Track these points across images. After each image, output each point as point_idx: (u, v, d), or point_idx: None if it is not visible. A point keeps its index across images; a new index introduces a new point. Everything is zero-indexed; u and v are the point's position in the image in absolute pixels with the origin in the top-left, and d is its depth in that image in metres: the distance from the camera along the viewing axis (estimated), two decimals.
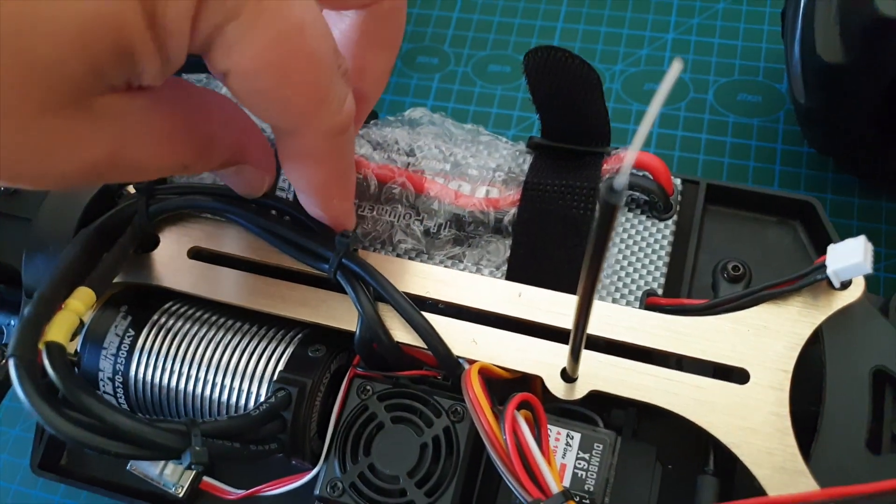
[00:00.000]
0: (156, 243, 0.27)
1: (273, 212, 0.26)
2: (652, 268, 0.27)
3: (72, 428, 0.20)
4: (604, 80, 0.44)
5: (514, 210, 0.27)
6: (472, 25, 0.47)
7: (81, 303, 0.23)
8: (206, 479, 0.28)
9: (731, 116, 0.42)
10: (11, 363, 0.20)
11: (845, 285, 0.23)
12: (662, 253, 0.27)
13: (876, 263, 0.38)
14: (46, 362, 0.21)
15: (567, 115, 0.27)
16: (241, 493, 0.27)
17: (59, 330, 0.22)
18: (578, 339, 0.20)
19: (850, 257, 0.22)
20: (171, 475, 0.28)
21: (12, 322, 0.31)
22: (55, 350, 0.21)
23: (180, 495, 0.28)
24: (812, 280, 0.23)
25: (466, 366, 0.24)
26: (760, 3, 0.45)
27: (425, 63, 0.46)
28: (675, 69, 0.12)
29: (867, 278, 0.23)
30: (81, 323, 0.27)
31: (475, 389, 0.22)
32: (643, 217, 0.27)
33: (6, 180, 0.17)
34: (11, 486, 0.38)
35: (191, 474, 0.28)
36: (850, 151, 0.37)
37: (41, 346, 0.21)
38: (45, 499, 0.37)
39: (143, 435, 0.20)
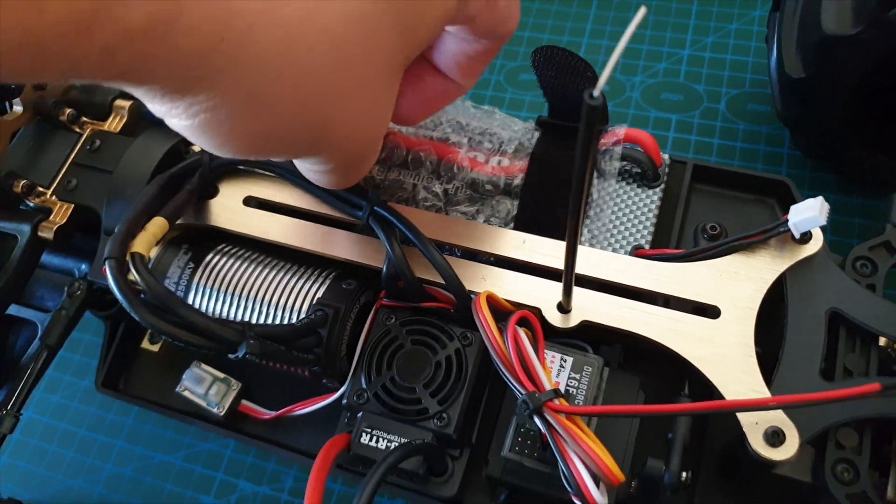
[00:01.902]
0: (215, 192, 0.32)
1: None
2: (640, 227, 0.31)
3: (153, 317, 0.24)
4: (624, 90, 0.49)
5: (522, 175, 0.31)
6: None
7: (158, 228, 0.27)
8: (244, 401, 0.32)
9: (741, 124, 0.46)
10: (108, 263, 0.25)
11: (805, 238, 0.27)
12: (650, 215, 0.31)
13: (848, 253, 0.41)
14: (132, 267, 0.25)
15: (568, 99, 0.32)
16: (275, 413, 0.31)
17: (142, 245, 0.26)
18: (570, 269, 0.24)
19: (807, 212, 0.26)
20: (215, 395, 0.32)
21: (83, 266, 0.36)
22: (138, 258, 0.25)
23: (221, 415, 0.32)
24: (776, 232, 0.27)
25: None
26: None
27: None
28: (640, 14, 0.17)
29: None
30: (149, 257, 0.31)
31: (483, 309, 0.26)
32: (634, 185, 0.32)
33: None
34: (72, 403, 0.42)
35: (231, 396, 0.32)
36: (831, 155, 0.41)
37: (127, 258, 0.26)
38: (99, 415, 0.42)
39: (209, 328, 0.24)
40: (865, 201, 0.42)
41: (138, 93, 0.17)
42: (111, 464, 0.41)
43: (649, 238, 0.30)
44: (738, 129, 0.46)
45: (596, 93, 0.17)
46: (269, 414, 0.32)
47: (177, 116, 0.18)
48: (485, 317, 0.25)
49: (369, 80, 0.20)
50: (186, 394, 0.32)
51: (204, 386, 0.32)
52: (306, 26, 0.17)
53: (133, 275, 0.25)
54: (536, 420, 0.23)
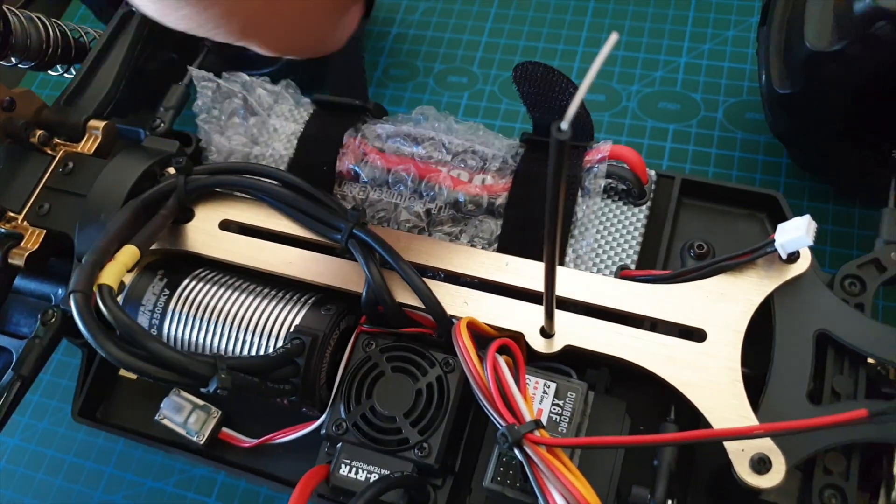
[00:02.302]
0: (191, 216, 0.31)
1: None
2: (626, 246, 0.30)
3: (119, 352, 0.23)
4: (620, 99, 0.48)
5: (505, 195, 0.31)
6: (498, 49, 0.52)
7: (128, 257, 0.27)
8: (224, 429, 0.32)
9: (740, 133, 0.45)
10: (72, 297, 0.24)
11: (793, 258, 0.27)
12: (636, 234, 0.30)
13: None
14: (99, 300, 0.24)
15: (551, 115, 0.31)
16: (256, 441, 0.31)
17: (110, 276, 0.25)
18: (550, 292, 0.24)
19: (793, 231, 0.26)
20: (194, 424, 0.31)
21: (59, 291, 0.35)
22: (106, 291, 0.25)
23: (201, 443, 0.31)
24: (763, 252, 0.27)
25: None
26: None
27: (456, 82, 0.51)
28: (611, 40, 0.16)
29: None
30: (123, 284, 0.31)
31: (463, 337, 0.25)
32: (620, 203, 0.31)
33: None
34: (59, 429, 0.42)
35: (211, 424, 0.31)
36: (823, 166, 0.40)
37: (95, 289, 0.25)
38: (87, 441, 0.41)
39: (177, 362, 0.24)
40: (865, 211, 0.41)
41: None
42: (100, 492, 0.40)
43: (635, 257, 0.30)
44: (736, 139, 0.45)
45: (564, 125, 0.16)
46: (250, 442, 0.31)
47: None
48: (465, 344, 0.25)
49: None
50: (166, 422, 0.31)
51: (183, 414, 0.31)
52: None
53: (101, 308, 0.24)
54: (516, 452, 0.23)
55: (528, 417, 0.23)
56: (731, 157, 0.45)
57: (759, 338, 0.27)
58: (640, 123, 0.47)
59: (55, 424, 0.43)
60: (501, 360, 0.24)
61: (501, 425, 0.23)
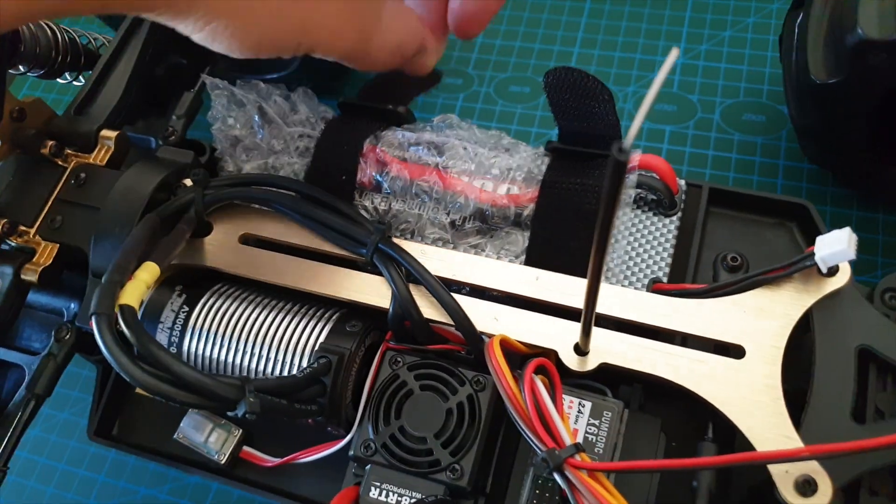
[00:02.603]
0: (209, 230, 0.30)
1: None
2: (658, 258, 0.29)
3: (144, 375, 0.22)
4: (617, 101, 0.47)
5: (532, 205, 0.30)
6: (494, 50, 0.51)
7: (148, 274, 0.26)
8: (245, 448, 0.31)
9: (737, 135, 0.45)
10: (94, 319, 0.23)
11: (832, 272, 0.26)
12: (668, 245, 0.30)
13: (873, 273, 0.40)
14: (121, 321, 0.24)
15: (581, 123, 0.30)
16: (278, 460, 0.30)
17: (131, 295, 0.25)
18: (589, 311, 0.23)
19: (835, 245, 0.25)
20: (215, 443, 0.30)
21: (72, 305, 0.34)
22: (128, 311, 0.24)
23: (222, 462, 0.30)
24: (802, 266, 0.26)
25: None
26: (764, 32, 0.49)
27: (451, 84, 0.50)
28: (672, 56, 0.15)
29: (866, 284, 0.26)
30: (141, 301, 0.30)
31: (497, 356, 0.24)
32: (650, 213, 0.30)
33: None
34: (51, 436, 0.41)
35: (232, 443, 0.30)
36: (846, 165, 0.39)
37: (116, 310, 0.24)
38: (80, 448, 0.41)
39: (204, 386, 0.23)
40: (889, 217, 0.41)
41: (150, 16, 0.21)
42: (93, 499, 0.40)
43: (667, 270, 0.29)
44: (733, 140, 0.45)
45: (627, 145, 0.15)
46: (272, 461, 0.30)
47: (186, 30, 0.22)
48: (499, 365, 0.24)
49: None
50: (185, 441, 0.30)
51: (203, 433, 0.30)
52: None
53: (123, 329, 0.23)
54: (557, 477, 0.22)
55: (567, 441, 0.22)
56: (727, 159, 0.44)
57: (798, 353, 0.26)
58: None
59: (47, 432, 0.42)
60: (539, 382, 0.23)
61: (541, 450, 0.22)
